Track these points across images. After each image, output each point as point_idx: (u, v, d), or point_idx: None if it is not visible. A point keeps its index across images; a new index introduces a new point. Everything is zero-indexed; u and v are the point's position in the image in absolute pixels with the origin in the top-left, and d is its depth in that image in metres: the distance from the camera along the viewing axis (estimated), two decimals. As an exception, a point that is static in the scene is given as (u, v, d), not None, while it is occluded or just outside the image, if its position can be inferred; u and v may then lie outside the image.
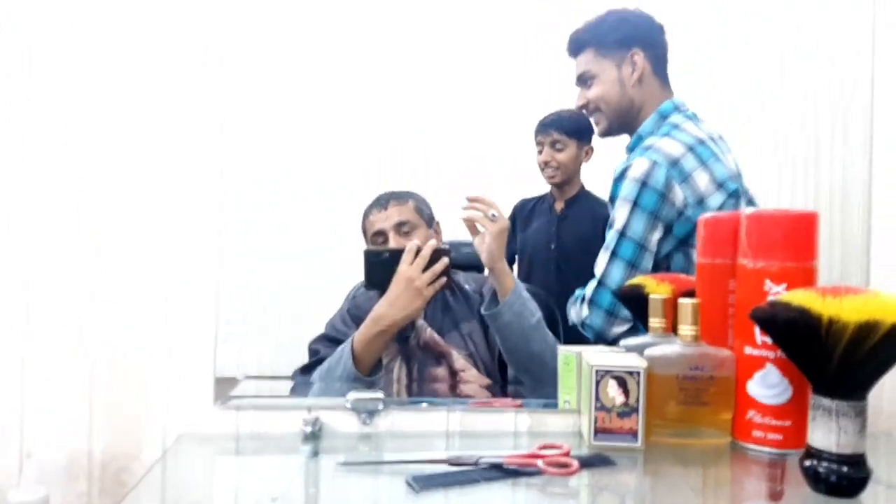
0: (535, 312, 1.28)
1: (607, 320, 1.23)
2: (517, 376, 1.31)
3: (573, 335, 1.32)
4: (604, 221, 1.31)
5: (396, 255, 1.25)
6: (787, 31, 1.40)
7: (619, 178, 1.26)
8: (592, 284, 1.26)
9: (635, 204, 1.22)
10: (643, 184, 1.22)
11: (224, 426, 0.94)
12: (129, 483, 0.94)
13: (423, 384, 1.32)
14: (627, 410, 0.85)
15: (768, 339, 0.83)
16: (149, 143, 0.95)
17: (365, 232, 1.42)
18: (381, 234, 1.37)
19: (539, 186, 2.07)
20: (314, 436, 0.92)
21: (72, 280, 0.95)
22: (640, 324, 1.05)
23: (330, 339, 1.36)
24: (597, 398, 0.86)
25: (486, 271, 1.31)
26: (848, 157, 1.22)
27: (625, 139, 1.38)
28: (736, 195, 1.25)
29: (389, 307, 1.23)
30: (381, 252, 1.29)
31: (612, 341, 1.21)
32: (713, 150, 1.26)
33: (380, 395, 0.95)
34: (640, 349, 0.90)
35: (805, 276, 0.83)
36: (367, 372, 1.25)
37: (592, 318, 1.24)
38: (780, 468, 0.83)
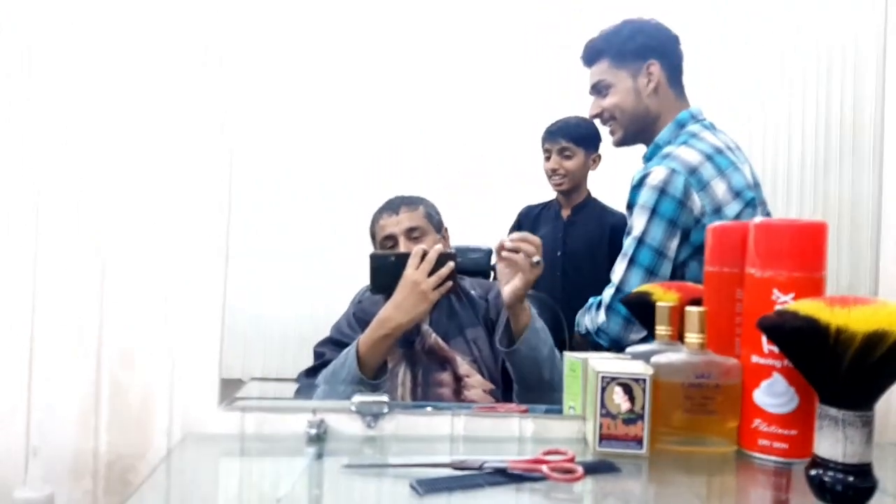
0: (548, 341, 1.26)
1: (625, 327, 1.24)
2: (520, 391, 1.30)
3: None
4: (610, 229, 1.32)
5: (402, 258, 1.25)
6: (786, 31, 1.40)
7: (638, 186, 1.27)
8: (610, 291, 1.26)
9: (654, 211, 1.23)
10: (662, 191, 1.23)
11: (229, 427, 0.95)
12: (134, 482, 0.94)
13: (427, 389, 1.32)
14: (633, 417, 0.85)
15: (775, 349, 0.82)
16: (149, 142, 0.96)
17: (374, 235, 1.42)
18: (392, 239, 1.38)
19: (541, 188, 2.06)
20: (319, 438, 0.92)
21: (78, 280, 0.95)
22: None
23: (335, 343, 1.36)
24: (602, 405, 0.85)
25: (504, 298, 1.25)
26: (857, 166, 1.21)
27: (632, 147, 1.38)
28: (753, 205, 1.25)
29: (395, 310, 1.23)
30: (388, 256, 1.30)
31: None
32: (731, 159, 1.27)
33: (385, 398, 0.95)
34: (646, 356, 0.90)
35: (813, 286, 0.83)
36: (372, 375, 1.25)
37: (610, 325, 1.24)
38: (785, 477, 0.82)
